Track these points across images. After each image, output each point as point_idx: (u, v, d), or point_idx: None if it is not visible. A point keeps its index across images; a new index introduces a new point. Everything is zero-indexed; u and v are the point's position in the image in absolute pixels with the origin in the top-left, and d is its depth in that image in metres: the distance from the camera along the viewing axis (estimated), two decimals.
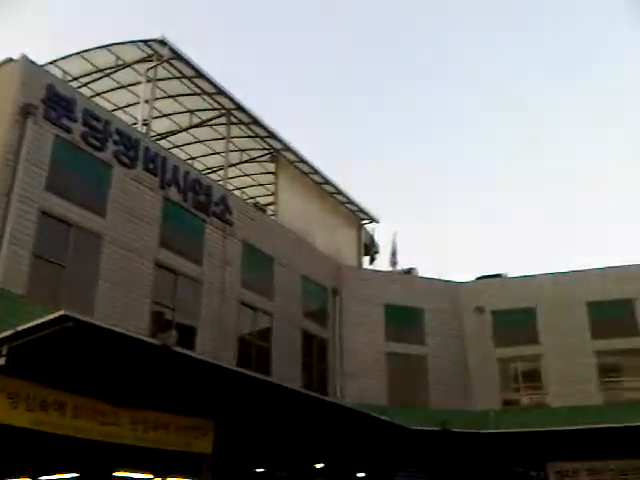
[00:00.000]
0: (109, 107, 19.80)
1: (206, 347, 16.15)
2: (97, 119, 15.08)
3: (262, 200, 25.79)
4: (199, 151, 24.42)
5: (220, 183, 20.50)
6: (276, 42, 73.58)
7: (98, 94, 20.72)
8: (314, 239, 23.75)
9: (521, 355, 22.77)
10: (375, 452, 17.98)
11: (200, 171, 20.71)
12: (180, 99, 21.66)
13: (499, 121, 71.43)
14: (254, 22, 73.83)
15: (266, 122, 21.96)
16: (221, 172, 23.00)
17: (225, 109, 21.40)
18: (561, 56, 70.07)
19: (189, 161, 22.49)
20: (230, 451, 14.44)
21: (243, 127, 22.32)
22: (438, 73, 73.50)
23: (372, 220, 27.70)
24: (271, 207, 24.51)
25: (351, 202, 26.51)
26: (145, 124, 19.35)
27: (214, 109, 21.70)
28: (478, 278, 24.89)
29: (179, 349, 10.41)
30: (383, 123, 73.92)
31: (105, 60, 19.87)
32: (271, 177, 24.62)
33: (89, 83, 20.48)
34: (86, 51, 19.54)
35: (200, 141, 23.88)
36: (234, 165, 23.99)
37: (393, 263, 26.34)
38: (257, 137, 22.94)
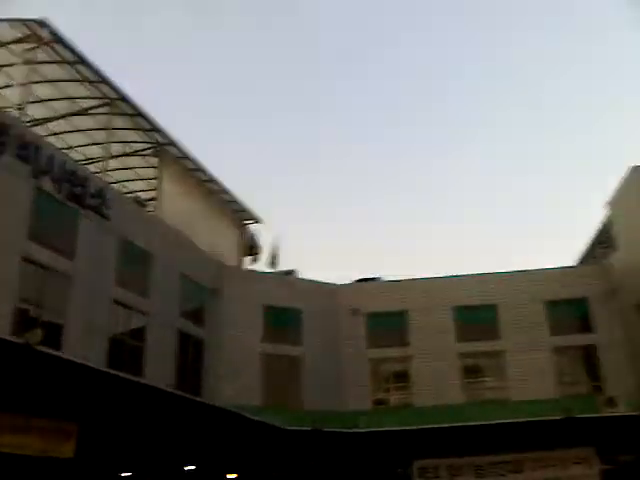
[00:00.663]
0: None
1: (74, 346, 15.53)
2: None
3: (143, 195, 25.13)
4: (78, 140, 23.44)
5: (99, 175, 19.82)
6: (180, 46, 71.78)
7: None
8: (195, 237, 23.49)
9: (392, 356, 23.70)
10: (248, 453, 18.04)
11: (78, 161, 19.94)
12: (60, 85, 20.68)
13: (385, 121, 73.61)
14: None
15: (151, 115, 21.48)
16: (100, 164, 22.23)
17: (108, 99, 20.72)
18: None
19: (67, 150, 21.56)
20: (94, 455, 14.00)
21: (126, 118, 21.69)
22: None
23: (255, 221, 27.80)
24: (152, 203, 23.96)
25: (235, 201, 26.48)
26: (19, 108, 18.38)
27: (96, 98, 20.95)
28: (355, 281, 25.62)
29: (43, 348, 10.01)
30: (273, 125, 74.13)
31: None
32: (154, 172, 24.06)
33: None
34: None
35: (80, 130, 22.94)
36: (115, 157, 23.24)
37: (274, 264, 26.52)
38: (141, 130, 22.38)
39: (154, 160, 23.73)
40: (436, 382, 22.35)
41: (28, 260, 15.24)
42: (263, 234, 28.06)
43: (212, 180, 25.03)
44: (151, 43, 71.47)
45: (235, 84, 73.26)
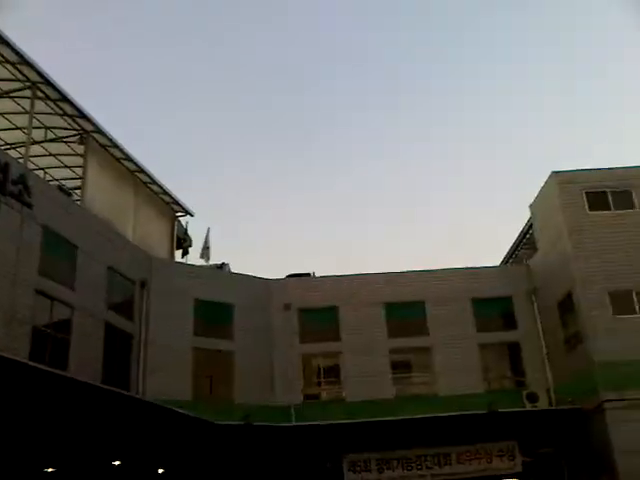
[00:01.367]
0: None
1: None
2: None
3: (68, 183, 24.14)
4: None
5: (20, 161, 18.87)
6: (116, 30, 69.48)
7: None
8: (124, 229, 22.80)
9: (324, 351, 23.78)
10: (177, 447, 17.67)
11: None
12: None
13: (313, 121, 73.96)
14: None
15: (77, 101, 20.62)
16: (22, 149, 21.19)
17: (30, 82, 19.74)
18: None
19: None
20: (17, 450, 13.32)
21: (50, 103, 20.75)
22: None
23: (187, 213, 27.24)
24: (78, 192, 23.05)
25: (166, 193, 25.85)
26: None
27: (18, 80, 19.92)
28: (288, 276, 25.54)
29: None
30: (211, 123, 73.07)
31: None
32: (79, 160, 23.13)
33: None
34: None
35: (0, 114, 21.80)
36: (37, 143, 22.19)
37: (206, 258, 26.11)
38: (66, 115, 21.45)
39: (80, 148, 22.80)
40: (367, 377, 22.54)
41: None
42: (195, 227, 27.59)
43: (142, 170, 24.32)
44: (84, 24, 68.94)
45: (172, 71, 71.65)
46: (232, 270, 25.58)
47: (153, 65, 71.69)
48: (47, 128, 22.25)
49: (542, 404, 21.38)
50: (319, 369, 23.92)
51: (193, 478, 18.77)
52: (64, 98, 20.39)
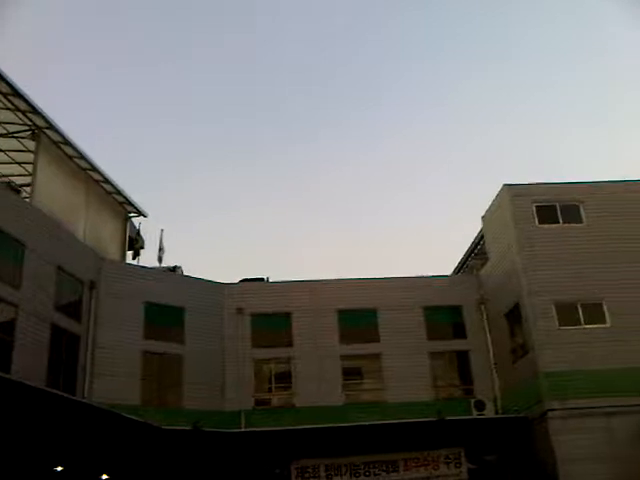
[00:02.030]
0: None
1: None
2: None
3: (18, 180, 23.51)
4: None
5: None
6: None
7: None
8: (74, 228, 22.30)
9: (276, 357, 23.69)
10: (122, 453, 17.34)
11: None
12: None
13: (255, 120, 73.89)
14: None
15: (29, 95, 20.12)
16: None
17: None
18: None
19: None
20: None
21: (1, 97, 20.18)
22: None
23: (140, 214, 26.81)
24: (27, 189, 22.45)
25: (119, 193, 25.40)
26: None
27: None
28: (241, 281, 25.39)
29: None
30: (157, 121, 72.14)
31: None
32: (30, 156, 22.55)
33: None
34: None
35: None
36: None
37: (159, 259, 25.74)
38: (18, 111, 20.90)
39: (31, 144, 22.25)
40: (318, 383, 22.58)
41: None
42: (148, 228, 27.15)
43: (94, 169, 23.84)
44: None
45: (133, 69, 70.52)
46: (185, 273, 25.31)
47: (112, 60, 70.54)
48: None
49: (489, 412, 21.78)
50: (270, 375, 23.82)
51: None
52: (16, 93, 19.87)
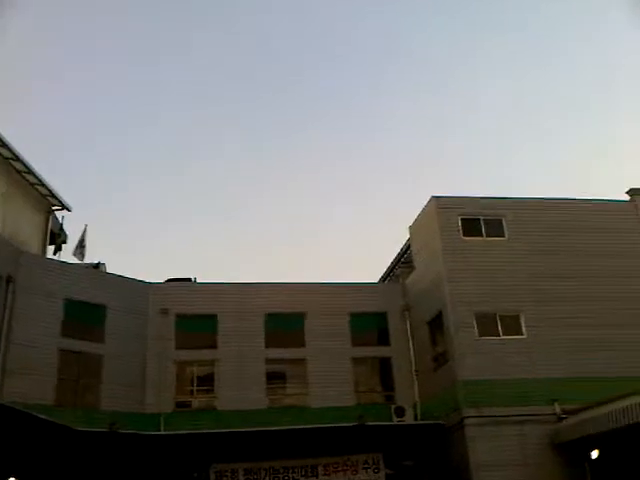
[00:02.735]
0: None
1: None
2: None
3: None
4: None
5: None
6: None
7: None
8: None
9: (199, 359, 23.35)
10: (33, 454, 16.66)
11: None
12: None
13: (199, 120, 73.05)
14: None
15: None
16: None
17: None
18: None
19: None
20: None
21: None
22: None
23: (63, 207, 25.91)
24: None
25: (42, 184, 24.47)
26: None
27: None
28: (167, 280, 24.91)
29: None
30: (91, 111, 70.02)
31: None
32: None
33: None
34: None
35: None
36: None
37: (80, 256, 24.89)
38: None
39: None
40: (241, 387, 22.39)
41: None
42: (72, 223, 26.28)
43: (17, 158, 22.89)
44: None
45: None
46: (109, 271, 24.61)
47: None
48: None
49: (408, 418, 22.18)
50: (193, 377, 23.43)
51: None
52: None
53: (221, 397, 22.54)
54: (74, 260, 24.63)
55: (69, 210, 26.06)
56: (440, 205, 22.53)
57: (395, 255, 27.59)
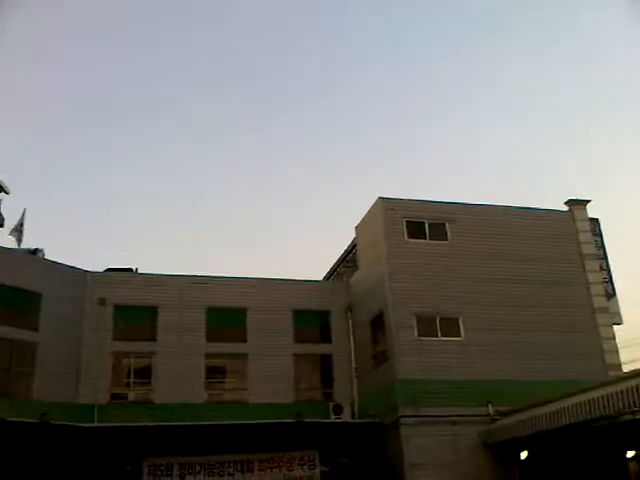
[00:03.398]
0: None
1: None
2: None
3: None
4: None
5: None
6: None
7: None
8: None
9: (137, 351, 22.94)
10: None
11: None
12: None
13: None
14: None
15: None
16: None
17: None
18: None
19: None
20: None
21: None
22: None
23: (1, 190, 24.95)
24: None
25: None
26: None
27: None
28: (107, 269, 24.33)
29: None
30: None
31: None
32: None
33: None
34: None
35: None
36: None
37: (17, 240, 24.03)
38: None
39: None
40: (179, 380, 22.09)
41: None
42: (8, 206, 25.32)
43: None
44: None
45: None
46: (48, 257, 23.85)
47: None
48: None
49: (346, 416, 22.33)
50: (130, 369, 22.99)
51: None
52: None
53: (158, 390, 22.20)
54: (11, 245, 23.80)
55: (7, 193, 25.12)
56: (386, 206, 22.74)
57: (340, 254, 27.73)
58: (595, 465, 17.50)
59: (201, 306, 23.50)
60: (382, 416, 20.67)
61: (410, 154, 73.32)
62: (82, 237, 61.28)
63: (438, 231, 22.75)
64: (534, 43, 71.41)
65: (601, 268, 24.76)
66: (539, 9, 67.10)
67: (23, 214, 24.60)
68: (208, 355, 23.07)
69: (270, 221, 70.16)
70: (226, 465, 19.88)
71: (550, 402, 17.06)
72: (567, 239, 23.83)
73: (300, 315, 24.35)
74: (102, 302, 22.44)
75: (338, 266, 28.32)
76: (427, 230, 22.67)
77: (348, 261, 27.13)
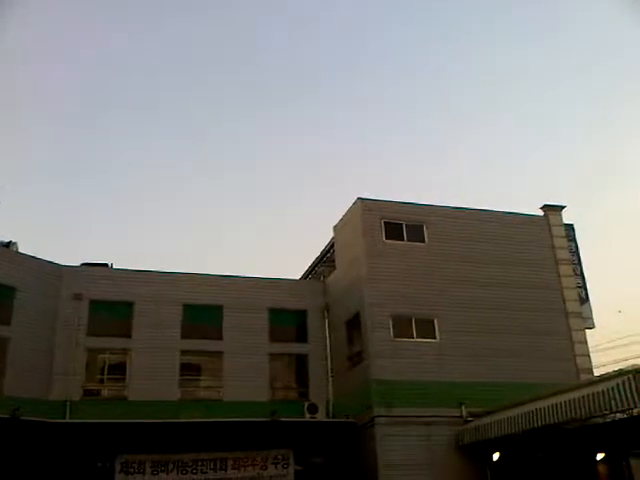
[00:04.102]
0: None
1: None
2: None
3: None
4: None
5: None
6: None
7: None
8: None
9: (111, 347, 22.73)
10: None
11: None
12: None
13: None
14: None
15: None
16: None
17: None
18: None
19: None
20: None
21: None
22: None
23: None
24: None
25: None
26: None
27: None
28: (83, 264, 24.07)
29: None
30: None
31: None
32: None
33: None
34: None
35: None
36: None
37: None
38: None
39: None
40: (154, 377, 21.89)
41: None
42: None
43: None
44: None
45: None
46: (22, 251, 23.53)
47: None
48: None
49: (321, 416, 22.37)
50: (104, 365, 22.76)
51: None
52: None
53: (132, 387, 22.01)
54: None
55: None
56: (365, 207, 22.82)
57: (318, 254, 27.75)
58: (565, 467, 17.76)
59: (177, 303, 23.34)
60: (357, 416, 20.74)
61: (390, 155, 73.64)
62: (57, 232, 60.47)
63: (416, 233, 22.88)
64: (515, 41, 72.13)
65: (575, 273, 25.14)
66: (522, 6, 67.75)
67: None
68: (183, 352, 22.93)
69: (252, 220, 70.00)
70: (200, 463, 19.77)
71: (522, 404, 17.29)
72: (542, 244, 24.14)
73: (276, 314, 24.32)
74: (78, 297, 22.19)
75: (316, 265, 28.33)
76: (405, 232, 22.79)
77: (326, 260, 27.17)
